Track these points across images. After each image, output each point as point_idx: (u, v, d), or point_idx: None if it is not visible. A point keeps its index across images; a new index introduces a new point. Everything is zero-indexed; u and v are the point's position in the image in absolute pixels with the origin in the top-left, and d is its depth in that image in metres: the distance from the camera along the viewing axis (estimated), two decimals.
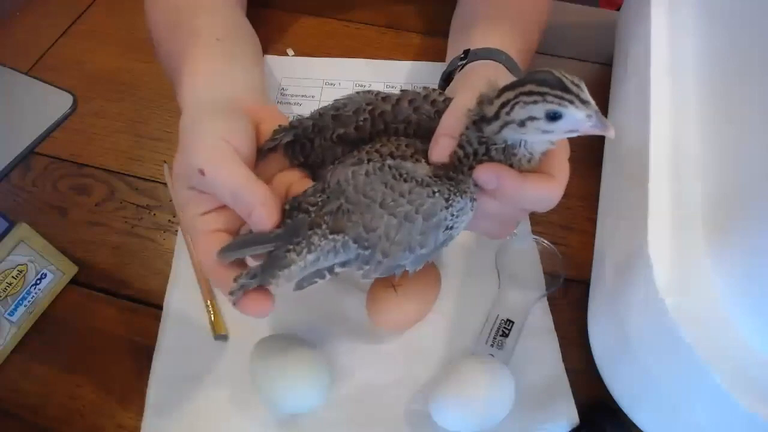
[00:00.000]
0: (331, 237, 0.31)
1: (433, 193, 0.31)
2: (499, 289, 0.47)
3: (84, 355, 0.46)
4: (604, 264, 0.45)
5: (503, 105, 0.29)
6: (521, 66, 0.46)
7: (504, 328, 0.45)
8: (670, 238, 0.34)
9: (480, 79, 0.33)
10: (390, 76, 0.62)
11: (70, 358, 0.45)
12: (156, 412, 0.42)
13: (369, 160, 0.33)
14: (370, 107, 0.35)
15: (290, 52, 0.65)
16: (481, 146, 0.31)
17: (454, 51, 0.50)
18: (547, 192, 0.32)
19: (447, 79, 0.47)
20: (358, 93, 0.37)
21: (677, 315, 0.31)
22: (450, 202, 0.31)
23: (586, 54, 0.65)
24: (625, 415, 0.40)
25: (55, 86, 0.62)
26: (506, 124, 0.29)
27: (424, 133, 0.34)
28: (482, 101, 0.31)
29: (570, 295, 0.48)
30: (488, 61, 0.44)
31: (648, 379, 0.36)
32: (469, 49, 0.45)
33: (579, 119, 0.27)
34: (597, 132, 0.28)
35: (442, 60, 0.56)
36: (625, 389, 0.40)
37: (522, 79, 0.28)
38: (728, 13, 0.42)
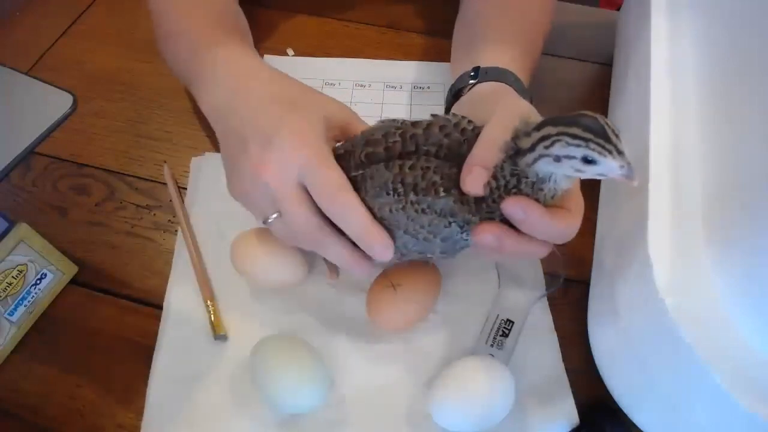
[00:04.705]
0: None
1: (450, 223, 0.35)
2: (499, 289, 0.47)
3: (84, 355, 0.46)
4: (604, 264, 0.45)
5: (543, 138, 0.30)
6: (526, 79, 0.47)
7: (504, 328, 0.45)
8: (670, 238, 0.34)
9: (510, 112, 0.35)
10: (390, 76, 0.62)
11: (70, 358, 0.45)
12: (156, 412, 0.42)
13: (394, 190, 0.35)
14: (400, 131, 0.36)
15: (290, 52, 0.65)
16: (512, 178, 0.32)
17: (460, 62, 0.49)
18: (567, 226, 0.33)
19: (456, 95, 0.47)
20: (383, 121, 0.38)
21: (677, 315, 0.31)
22: (464, 228, 0.35)
23: (586, 54, 0.65)
24: (625, 415, 0.40)
25: (55, 86, 0.62)
26: (542, 156, 0.30)
27: (453, 156, 0.35)
28: (517, 136, 0.32)
29: (570, 295, 0.48)
30: (499, 83, 0.44)
31: (648, 379, 0.36)
32: (479, 67, 0.45)
33: (612, 168, 0.29)
34: (624, 180, 0.29)
35: (442, 60, 0.56)
36: (625, 389, 0.40)
37: (566, 118, 0.29)
38: (728, 13, 0.42)
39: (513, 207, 0.33)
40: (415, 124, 0.36)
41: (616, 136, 0.28)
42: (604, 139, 0.28)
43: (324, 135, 0.38)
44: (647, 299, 0.33)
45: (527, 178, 0.32)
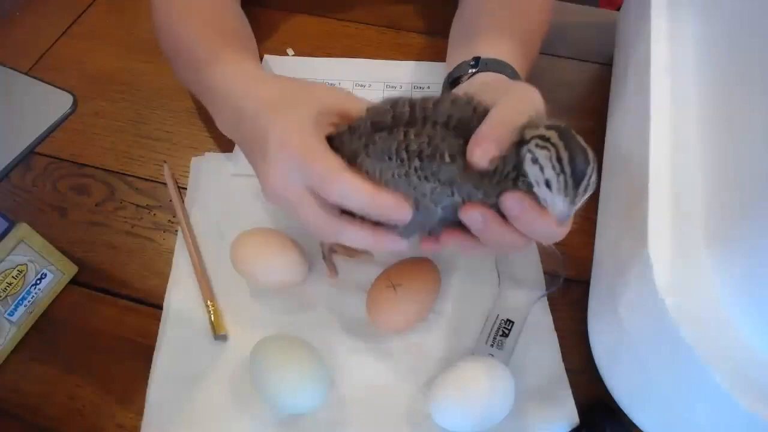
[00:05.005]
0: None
1: (452, 193, 0.34)
2: (499, 289, 0.47)
3: (84, 355, 0.46)
4: (604, 264, 0.45)
5: (542, 137, 0.30)
6: (523, 77, 0.47)
7: (504, 328, 0.45)
8: (670, 238, 0.34)
9: (522, 96, 0.35)
10: (390, 76, 0.62)
11: (70, 358, 0.45)
12: (156, 412, 0.42)
13: (398, 155, 0.34)
14: (409, 102, 0.35)
15: (290, 52, 0.65)
16: (513, 171, 0.32)
17: (458, 54, 0.49)
18: (558, 229, 0.33)
19: (453, 83, 0.47)
20: (391, 97, 0.37)
21: (677, 315, 0.31)
22: (466, 200, 0.34)
23: (586, 54, 0.65)
24: (625, 415, 0.40)
25: (55, 86, 0.62)
26: (529, 151, 0.31)
27: (462, 130, 0.34)
28: (529, 126, 0.32)
29: (570, 295, 0.48)
30: (497, 74, 0.44)
31: (648, 379, 0.36)
32: (479, 57, 0.45)
33: (556, 206, 0.30)
34: (553, 219, 0.31)
35: (442, 60, 0.56)
36: (625, 389, 0.40)
37: (571, 141, 0.29)
38: (728, 13, 0.42)
39: (512, 201, 0.33)
40: (426, 98, 0.36)
41: (585, 190, 0.29)
42: (575, 184, 0.29)
43: (314, 125, 0.37)
44: (647, 299, 0.33)
45: (525, 176, 0.32)
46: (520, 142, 0.32)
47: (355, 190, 0.34)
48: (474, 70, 0.45)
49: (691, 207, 0.35)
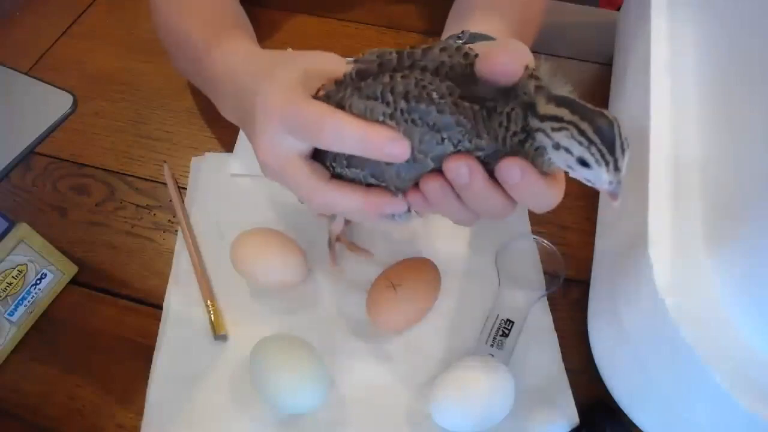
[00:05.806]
0: (349, 170, 0.35)
1: (442, 140, 0.31)
2: (499, 289, 0.47)
3: (84, 355, 0.46)
4: (604, 264, 0.45)
5: (554, 119, 0.28)
6: None
7: (504, 328, 0.45)
8: (670, 238, 0.34)
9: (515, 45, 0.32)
10: None
11: (70, 358, 0.45)
12: (156, 412, 0.42)
13: (383, 98, 0.32)
14: (396, 51, 0.34)
15: (290, 51, 0.65)
16: (522, 133, 0.30)
17: (447, 35, 0.49)
18: (553, 194, 0.32)
19: None
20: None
21: (677, 315, 0.31)
22: (458, 146, 0.31)
23: (586, 54, 0.65)
24: (625, 415, 0.40)
25: (55, 86, 0.62)
26: (545, 133, 0.29)
27: (455, 77, 0.32)
28: (542, 87, 0.29)
29: (570, 295, 0.48)
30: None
31: (648, 379, 0.36)
32: (468, 31, 0.45)
33: (602, 180, 0.28)
34: (606, 195, 0.28)
35: None
36: (624, 389, 0.40)
37: (585, 110, 0.28)
38: (728, 13, 0.42)
39: (512, 167, 0.30)
40: (413, 46, 0.34)
41: (623, 150, 0.27)
42: (609, 149, 0.27)
43: (298, 85, 0.35)
44: (647, 299, 0.33)
45: (534, 141, 0.30)
46: (531, 106, 0.29)
47: (348, 125, 0.32)
48: (461, 41, 0.44)
49: (691, 207, 0.35)
